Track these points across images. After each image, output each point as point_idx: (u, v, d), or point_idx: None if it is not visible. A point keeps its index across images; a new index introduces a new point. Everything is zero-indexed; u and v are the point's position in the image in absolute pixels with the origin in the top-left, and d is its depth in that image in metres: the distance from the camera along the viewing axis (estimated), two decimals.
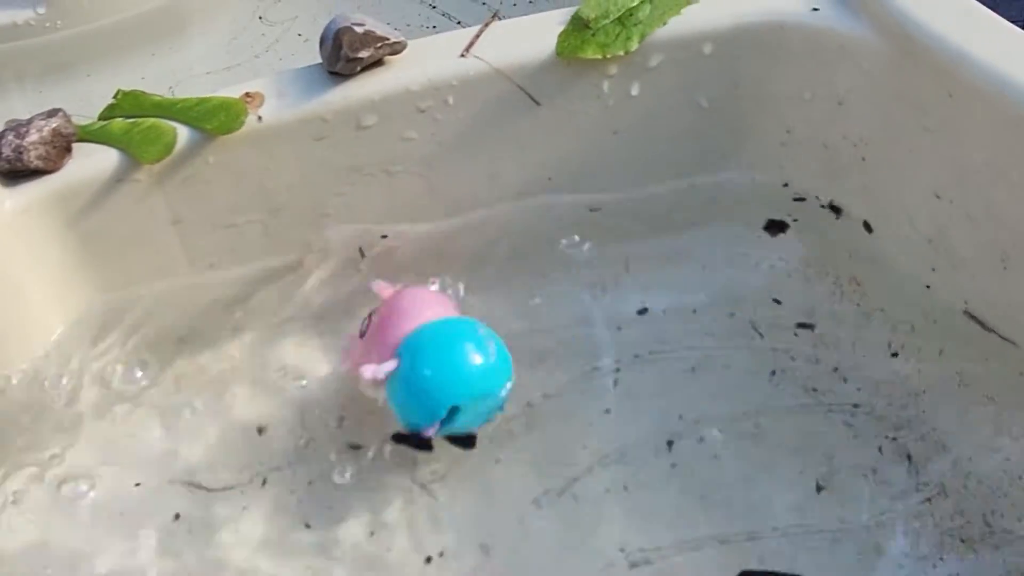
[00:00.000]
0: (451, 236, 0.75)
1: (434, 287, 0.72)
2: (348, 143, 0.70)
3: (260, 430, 0.70)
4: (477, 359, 0.63)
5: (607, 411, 0.69)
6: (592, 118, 0.73)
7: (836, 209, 0.75)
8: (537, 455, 0.68)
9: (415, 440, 0.65)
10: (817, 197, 0.76)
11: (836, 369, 0.69)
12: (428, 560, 0.63)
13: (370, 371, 0.63)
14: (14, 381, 0.68)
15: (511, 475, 0.67)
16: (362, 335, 0.67)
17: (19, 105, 0.71)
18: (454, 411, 0.63)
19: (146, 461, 0.68)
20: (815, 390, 0.69)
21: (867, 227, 0.74)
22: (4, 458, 0.67)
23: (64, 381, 0.69)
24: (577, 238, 0.76)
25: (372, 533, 0.64)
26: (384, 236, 0.74)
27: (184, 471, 0.68)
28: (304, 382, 0.72)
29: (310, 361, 0.73)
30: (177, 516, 0.66)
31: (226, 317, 0.74)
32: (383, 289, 0.69)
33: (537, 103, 0.72)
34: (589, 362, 0.72)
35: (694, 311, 0.73)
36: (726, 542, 0.63)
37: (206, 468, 0.68)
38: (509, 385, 0.65)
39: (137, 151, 0.67)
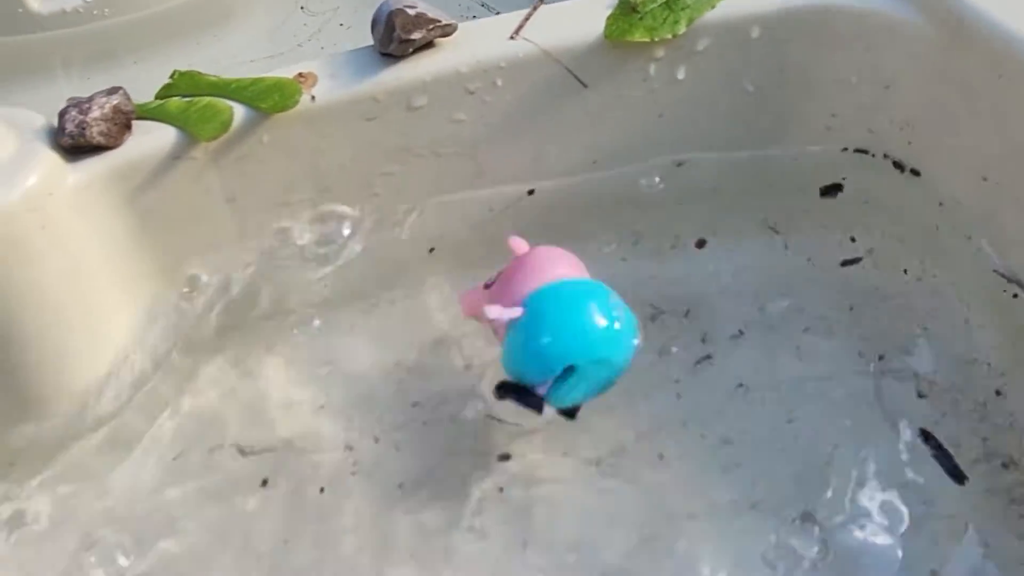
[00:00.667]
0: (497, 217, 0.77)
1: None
2: (398, 123, 0.71)
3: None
4: (602, 322, 0.61)
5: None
6: (638, 101, 0.74)
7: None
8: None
9: (523, 393, 0.63)
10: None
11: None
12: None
13: (495, 311, 0.62)
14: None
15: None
16: (487, 286, 0.67)
17: (66, 91, 0.72)
18: (569, 370, 0.61)
19: None
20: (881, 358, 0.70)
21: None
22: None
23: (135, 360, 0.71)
24: (623, 217, 0.77)
25: None
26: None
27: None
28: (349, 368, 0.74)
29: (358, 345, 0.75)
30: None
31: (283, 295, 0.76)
32: (518, 244, 0.68)
33: (584, 85, 0.73)
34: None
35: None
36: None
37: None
38: (629, 357, 0.63)
39: (195, 129, 0.68)
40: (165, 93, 0.71)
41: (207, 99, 0.70)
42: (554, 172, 0.76)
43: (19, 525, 0.67)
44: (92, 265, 0.69)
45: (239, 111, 0.69)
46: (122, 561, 0.65)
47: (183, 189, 0.69)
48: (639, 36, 0.71)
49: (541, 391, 0.62)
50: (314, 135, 0.70)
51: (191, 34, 1.10)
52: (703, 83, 0.73)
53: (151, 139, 0.68)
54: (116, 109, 0.67)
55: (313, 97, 0.69)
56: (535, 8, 0.73)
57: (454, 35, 0.72)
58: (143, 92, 0.71)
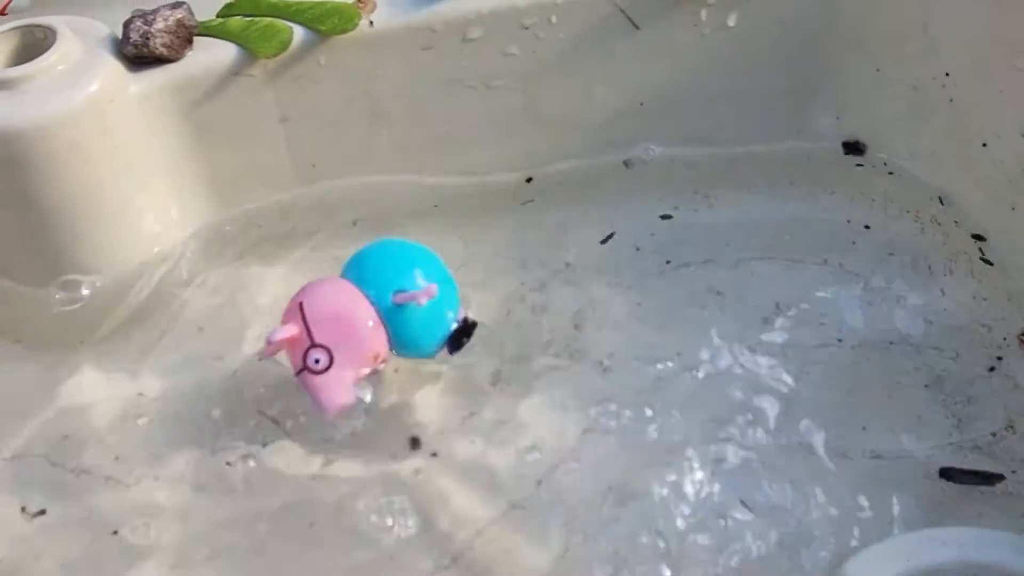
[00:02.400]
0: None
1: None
2: (453, 54, 0.73)
3: None
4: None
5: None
6: (688, 45, 0.75)
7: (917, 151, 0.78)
8: None
9: (466, 329, 0.64)
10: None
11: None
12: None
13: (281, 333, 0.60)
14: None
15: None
16: (306, 369, 0.60)
17: (121, 13, 0.74)
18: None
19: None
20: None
21: (949, 166, 0.76)
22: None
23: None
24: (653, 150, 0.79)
25: None
26: None
27: None
28: None
29: None
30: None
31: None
32: (281, 334, 0.61)
33: (636, 27, 0.74)
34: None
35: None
36: None
37: None
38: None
39: (255, 46, 0.69)
40: (226, 12, 0.72)
41: (267, 19, 0.71)
42: (602, 107, 0.77)
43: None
44: (147, 172, 0.70)
45: (298, 32, 0.70)
46: None
47: (239, 105, 0.71)
48: None
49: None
50: (370, 60, 0.72)
51: None
52: (753, 31, 0.74)
53: (211, 55, 0.69)
54: (179, 23, 0.69)
55: (371, 23, 0.71)
56: None
57: None
58: (205, 11, 0.72)
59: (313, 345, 0.59)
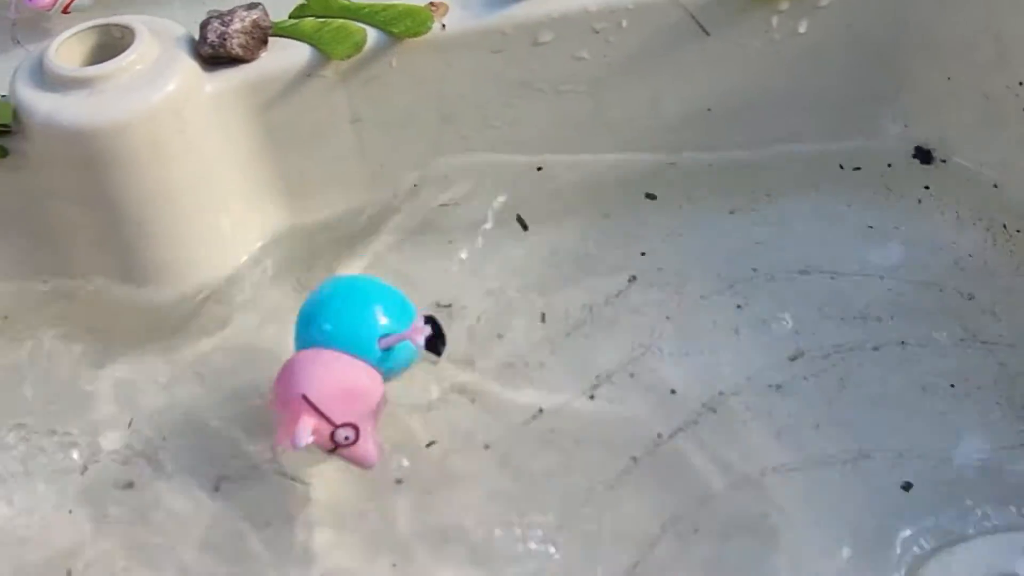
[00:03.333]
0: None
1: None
2: (523, 58, 0.73)
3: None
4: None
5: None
6: (758, 52, 0.74)
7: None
8: None
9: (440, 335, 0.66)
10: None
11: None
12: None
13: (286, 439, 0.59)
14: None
15: None
16: (338, 447, 0.61)
17: (180, 14, 0.75)
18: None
19: None
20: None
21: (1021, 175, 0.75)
22: None
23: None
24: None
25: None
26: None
27: None
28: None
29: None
30: None
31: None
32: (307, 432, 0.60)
33: (707, 33, 0.74)
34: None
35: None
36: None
37: None
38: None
39: (328, 48, 0.70)
40: (299, 13, 0.72)
41: (340, 21, 0.71)
42: (669, 112, 0.77)
43: None
44: (221, 174, 0.71)
45: (371, 34, 0.70)
46: None
47: (312, 106, 0.71)
48: None
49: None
50: (441, 63, 0.72)
51: None
52: (824, 38, 0.74)
53: (286, 55, 0.70)
54: (255, 23, 0.69)
55: (444, 25, 0.71)
56: None
57: None
58: (277, 12, 0.73)
59: (336, 427, 0.60)
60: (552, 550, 0.61)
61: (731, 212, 0.77)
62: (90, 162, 0.66)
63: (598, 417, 0.67)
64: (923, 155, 0.79)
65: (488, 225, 0.76)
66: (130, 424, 0.68)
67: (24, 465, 0.67)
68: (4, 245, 0.71)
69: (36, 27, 0.78)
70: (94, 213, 0.68)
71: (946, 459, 0.63)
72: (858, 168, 0.79)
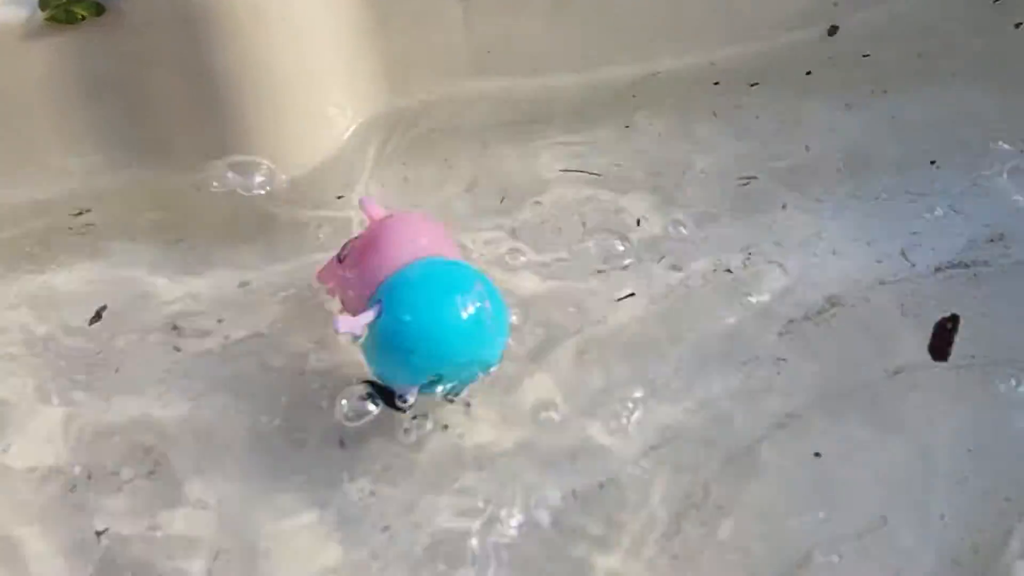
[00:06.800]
0: None
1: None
2: None
3: None
4: (469, 323, 0.54)
5: None
6: None
7: None
8: None
9: (388, 397, 0.58)
10: None
11: None
12: None
13: (345, 324, 0.54)
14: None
15: None
16: (341, 259, 0.60)
17: None
18: (436, 379, 0.56)
19: None
20: None
21: None
22: None
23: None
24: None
25: None
26: None
27: None
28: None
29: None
30: None
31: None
32: (374, 210, 0.60)
33: None
34: None
35: None
36: None
37: None
38: (501, 349, 0.57)
39: None
40: None
41: None
42: None
43: None
44: (320, 47, 0.68)
45: None
46: None
47: None
48: None
49: (410, 397, 0.56)
50: None
51: None
52: None
53: None
54: None
55: None
56: None
57: None
58: None
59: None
60: None
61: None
62: (191, 23, 0.63)
63: None
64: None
65: None
66: None
67: None
68: (93, 117, 0.68)
69: None
70: (191, 81, 0.65)
71: None
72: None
